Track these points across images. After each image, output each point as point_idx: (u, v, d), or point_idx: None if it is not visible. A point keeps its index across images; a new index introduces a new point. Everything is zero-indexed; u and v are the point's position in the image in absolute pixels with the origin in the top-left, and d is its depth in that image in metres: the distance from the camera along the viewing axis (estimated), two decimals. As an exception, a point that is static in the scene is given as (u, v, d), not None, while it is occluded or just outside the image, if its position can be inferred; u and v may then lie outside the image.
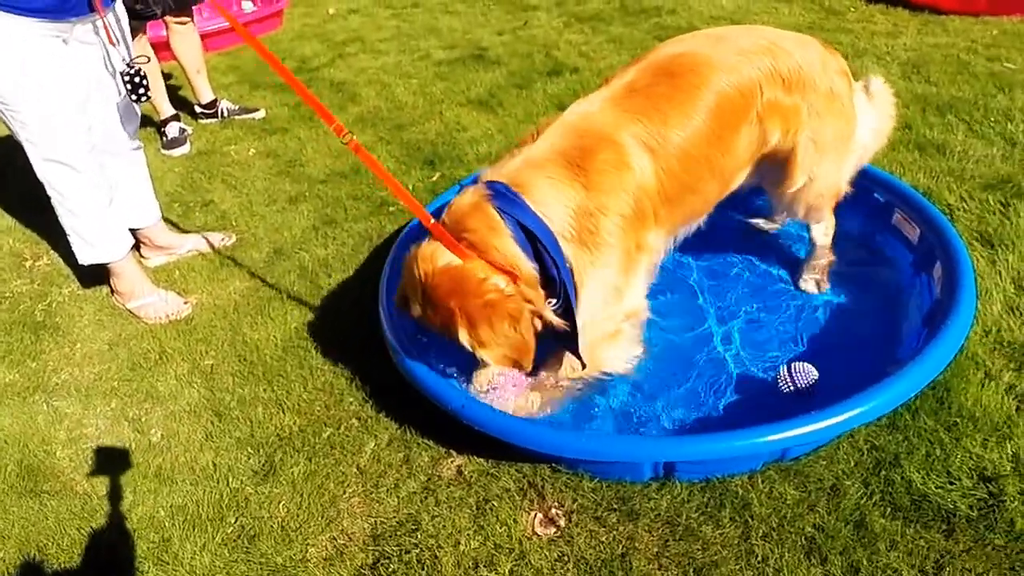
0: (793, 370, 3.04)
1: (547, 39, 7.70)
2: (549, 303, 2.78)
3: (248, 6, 9.69)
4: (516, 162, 2.79)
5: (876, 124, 3.48)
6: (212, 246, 4.66)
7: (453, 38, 8.18)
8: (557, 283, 2.73)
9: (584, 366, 2.98)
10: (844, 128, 3.24)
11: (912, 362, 2.66)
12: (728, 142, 2.99)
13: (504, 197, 2.67)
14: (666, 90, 2.87)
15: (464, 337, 2.68)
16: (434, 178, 5.12)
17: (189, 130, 6.33)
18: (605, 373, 3.14)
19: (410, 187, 5.01)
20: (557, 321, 2.80)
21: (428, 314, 2.77)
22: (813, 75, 3.07)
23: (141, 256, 4.57)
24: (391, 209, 4.80)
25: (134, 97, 3.76)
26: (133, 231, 4.28)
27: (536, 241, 2.67)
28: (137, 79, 3.72)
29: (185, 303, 4.17)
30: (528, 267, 2.71)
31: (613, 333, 3.05)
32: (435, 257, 2.70)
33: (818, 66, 3.10)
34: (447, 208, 2.80)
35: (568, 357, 3.05)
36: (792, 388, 3.02)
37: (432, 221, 2.75)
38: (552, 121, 2.89)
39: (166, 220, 4.69)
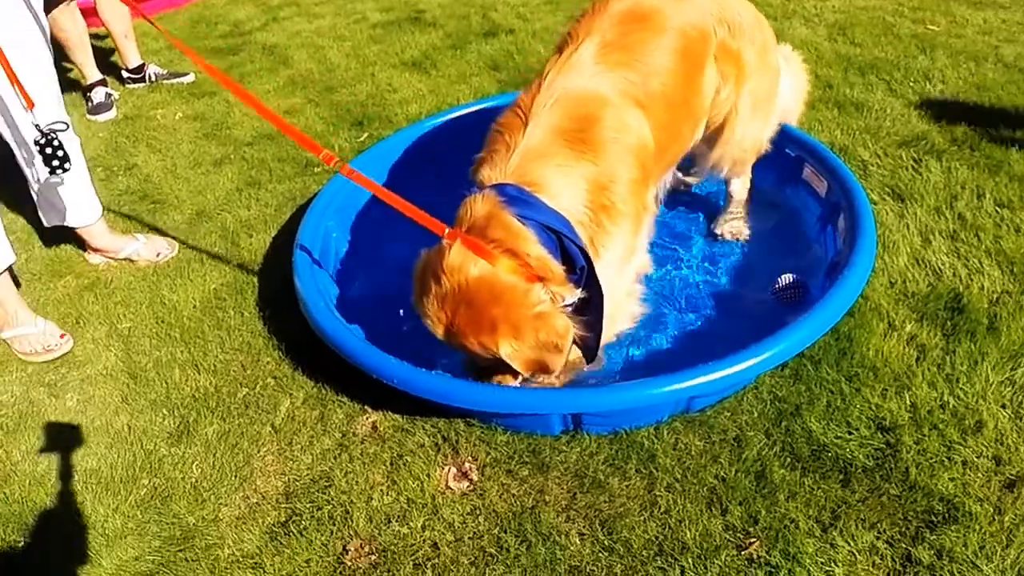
0: (787, 281, 3.23)
1: (485, 0, 7.64)
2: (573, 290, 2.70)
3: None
4: (516, 156, 2.65)
5: (792, 86, 3.55)
6: (152, 255, 4.17)
7: (390, 0, 8.08)
8: (578, 272, 2.66)
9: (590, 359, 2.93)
10: (773, 85, 3.33)
11: (810, 311, 2.69)
12: (697, 83, 3.03)
13: (519, 201, 2.57)
14: (639, 37, 2.85)
15: (505, 346, 2.56)
16: (362, 138, 5.10)
17: (116, 95, 6.21)
18: (618, 334, 3.07)
19: (336, 147, 4.99)
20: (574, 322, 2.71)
21: (456, 322, 2.60)
22: (752, 28, 3.14)
23: (85, 251, 4.25)
24: (316, 170, 4.78)
25: (48, 170, 3.35)
26: (72, 229, 4.02)
27: (560, 237, 2.60)
28: (50, 150, 3.29)
29: (62, 337, 3.64)
30: (557, 267, 2.62)
31: (628, 293, 3.02)
32: (465, 267, 2.54)
33: (754, 20, 3.17)
34: (458, 220, 2.67)
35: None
36: (792, 294, 3.19)
37: (447, 231, 2.63)
38: (535, 93, 2.76)
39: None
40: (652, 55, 2.84)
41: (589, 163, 2.65)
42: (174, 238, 4.30)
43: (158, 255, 4.15)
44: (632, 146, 2.75)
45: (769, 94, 3.32)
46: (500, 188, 2.59)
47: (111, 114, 6.02)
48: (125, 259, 4.16)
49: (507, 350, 2.57)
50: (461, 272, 2.53)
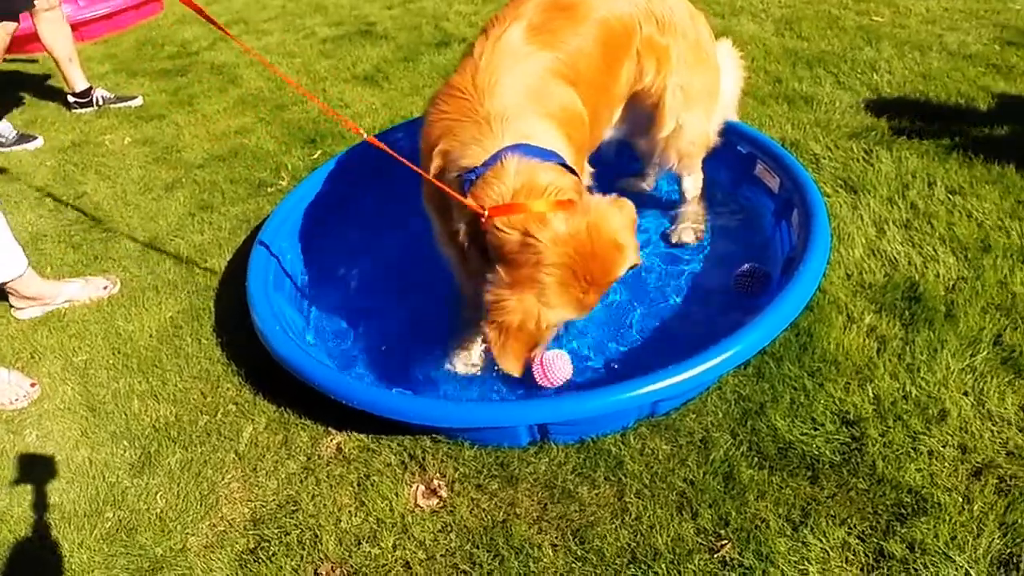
0: (747, 272, 3.25)
1: (436, 11, 7.63)
2: None
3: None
4: (497, 124, 2.57)
5: (732, 79, 3.59)
6: (94, 293, 4.01)
7: (340, 15, 8.05)
8: None
9: None
10: (711, 80, 3.36)
11: (767, 307, 2.69)
12: (616, 72, 3.06)
13: (537, 152, 2.52)
14: (564, 23, 2.86)
15: (630, 251, 2.59)
16: (315, 156, 5.06)
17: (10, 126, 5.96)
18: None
19: (289, 166, 4.96)
20: None
21: (602, 276, 2.54)
22: (683, 23, 3.17)
23: (11, 306, 3.98)
24: (269, 190, 4.73)
25: None
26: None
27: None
28: None
29: (32, 386, 3.50)
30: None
31: None
32: (559, 233, 2.43)
33: (687, 15, 3.20)
34: (482, 197, 2.51)
35: None
36: (750, 283, 3.23)
37: (488, 208, 2.48)
38: (474, 73, 2.68)
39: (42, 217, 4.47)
40: (575, 40, 2.87)
41: (561, 127, 2.69)
42: (140, 261, 4.24)
43: (104, 288, 4.02)
44: (574, 121, 2.80)
45: (707, 87, 3.35)
46: (514, 148, 2.51)
47: (39, 142, 5.88)
48: (65, 303, 3.96)
49: (630, 252, 2.60)
50: (559, 240, 2.43)
